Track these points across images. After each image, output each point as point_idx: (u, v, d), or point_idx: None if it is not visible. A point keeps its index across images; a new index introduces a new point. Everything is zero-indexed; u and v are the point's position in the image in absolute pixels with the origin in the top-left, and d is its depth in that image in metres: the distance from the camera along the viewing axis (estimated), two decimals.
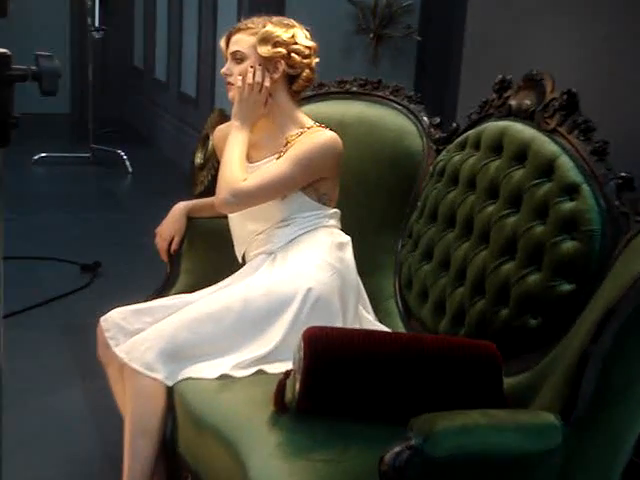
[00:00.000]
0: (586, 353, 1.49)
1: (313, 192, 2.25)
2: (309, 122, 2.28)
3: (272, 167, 2.19)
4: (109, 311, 2.21)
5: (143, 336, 2.09)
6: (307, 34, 2.29)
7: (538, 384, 1.75)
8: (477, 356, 1.75)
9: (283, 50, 2.23)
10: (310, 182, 2.23)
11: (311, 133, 2.23)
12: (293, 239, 2.23)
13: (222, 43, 2.31)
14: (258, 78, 2.22)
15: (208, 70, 6.08)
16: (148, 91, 7.81)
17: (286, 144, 2.23)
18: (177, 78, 6.94)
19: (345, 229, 2.32)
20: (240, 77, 2.23)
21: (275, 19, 2.27)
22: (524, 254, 1.91)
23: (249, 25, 2.25)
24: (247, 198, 2.17)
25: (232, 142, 2.23)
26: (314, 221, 2.25)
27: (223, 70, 2.28)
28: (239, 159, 2.20)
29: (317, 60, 2.30)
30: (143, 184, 6.23)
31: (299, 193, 2.23)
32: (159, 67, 7.48)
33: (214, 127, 2.67)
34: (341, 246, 2.25)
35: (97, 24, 6.51)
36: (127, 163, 6.46)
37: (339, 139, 2.23)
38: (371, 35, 5.10)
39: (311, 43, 2.28)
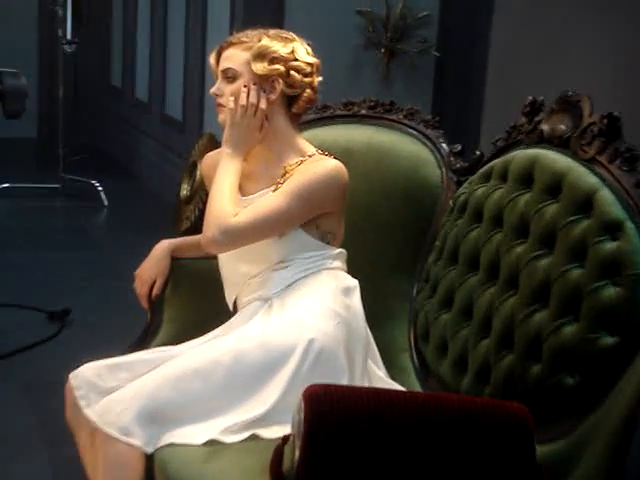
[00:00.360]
0: (633, 417, 1.48)
1: (315, 229, 2.25)
2: (310, 149, 2.29)
3: (267, 201, 2.19)
4: (79, 366, 2.20)
5: (119, 395, 2.08)
6: (308, 49, 2.30)
7: (577, 453, 1.74)
8: (505, 420, 1.74)
9: (281, 67, 2.24)
10: (311, 218, 2.23)
11: (312, 162, 2.24)
12: (292, 283, 2.23)
13: (212, 59, 2.32)
14: (252, 99, 2.23)
15: (196, 90, 6.12)
16: (127, 113, 7.86)
17: (284, 174, 2.24)
18: (161, 98, 6.98)
19: (352, 272, 2.32)
20: (232, 98, 2.24)
21: (272, 32, 2.29)
22: (559, 302, 1.91)
23: (243, 39, 2.27)
24: (238, 236, 2.17)
25: (222, 172, 2.24)
26: (316, 262, 2.25)
27: (213, 90, 2.29)
28: (230, 191, 2.21)
29: (320, 79, 2.32)
30: (120, 219, 6.24)
31: (299, 230, 2.23)
32: (140, 86, 7.53)
33: (203, 154, 2.68)
34: (347, 291, 2.25)
35: (69, 36, 6.56)
36: (102, 195, 6.47)
37: (344, 169, 2.23)
38: (382, 50, 5.14)
39: (313, 59, 2.30)
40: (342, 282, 2.26)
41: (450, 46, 5.19)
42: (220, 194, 2.20)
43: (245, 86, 2.24)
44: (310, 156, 2.26)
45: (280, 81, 2.24)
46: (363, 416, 1.73)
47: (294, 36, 2.30)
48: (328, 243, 2.27)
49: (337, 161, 2.24)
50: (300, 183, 2.18)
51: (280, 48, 2.25)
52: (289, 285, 2.23)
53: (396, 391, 2.05)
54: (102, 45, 8.33)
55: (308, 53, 2.29)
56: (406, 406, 1.76)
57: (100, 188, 6.51)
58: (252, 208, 2.19)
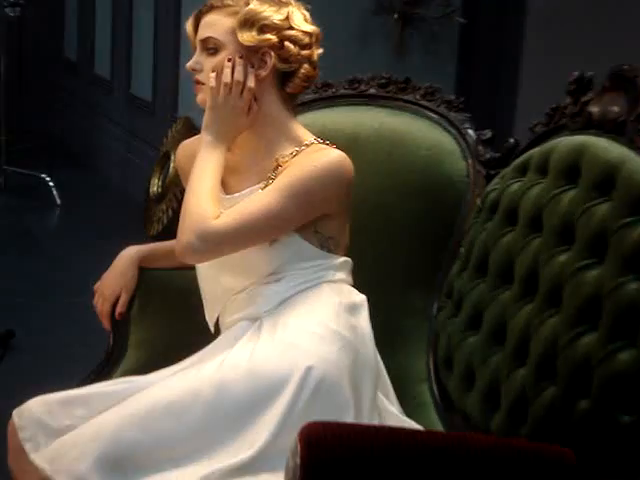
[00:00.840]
0: None
1: (313, 234, 2.25)
2: (308, 137, 2.29)
3: (255, 200, 2.20)
4: (26, 401, 2.20)
5: (74, 437, 2.08)
6: (307, 15, 2.31)
7: None
8: (546, 467, 1.74)
9: (273, 37, 2.24)
10: (309, 221, 2.24)
11: (310, 153, 2.24)
12: (286, 299, 2.24)
13: (189, 26, 2.33)
14: (238, 76, 2.24)
15: (169, 65, 6.12)
16: (84, 92, 7.86)
17: (276, 168, 2.25)
18: (126, 75, 6.99)
19: (358, 285, 2.32)
20: (214, 74, 2.25)
21: None
22: (611, 322, 1.91)
23: (227, 2, 2.27)
24: (220, 243, 2.18)
25: (202, 164, 2.24)
26: (315, 274, 2.25)
27: (190, 64, 2.30)
28: (210, 188, 2.21)
29: (320, 51, 2.32)
30: (76, 221, 6.23)
31: (294, 236, 2.24)
32: (100, 59, 7.54)
33: (177, 143, 2.69)
34: (353, 308, 2.26)
35: None
36: (54, 192, 6.47)
37: (349, 161, 2.24)
38: (395, 15, 5.15)
39: (312, 28, 2.30)
40: (346, 297, 2.26)
41: (478, 10, 5.20)
42: (198, 191, 2.21)
43: (229, 60, 2.24)
44: (307, 145, 2.27)
45: (272, 54, 2.25)
46: (372, 461, 1.74)
47: None
48: (329, 251, 2.27)
49: (340, 152, 2.25)
50: (295, 179, 2.19)
51: (272, 14, 2.25)
52: (282, 302, 2.23)
53: (412, 430, 2.05)
54: (53, 8, 8.33)
55: (306, 20, 2.30)
56: (424, 449, 1.76)
57: (51, 183, 6.51)
58: (237, 209, 2.19)
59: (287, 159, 2.25)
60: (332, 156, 2.23)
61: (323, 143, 2.29)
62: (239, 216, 2.17)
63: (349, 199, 2.28)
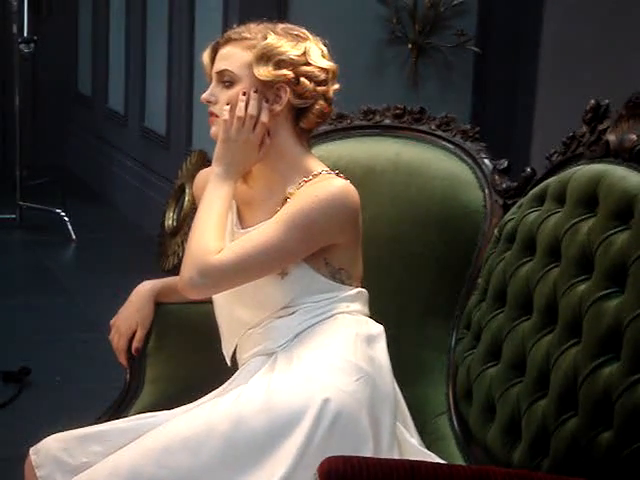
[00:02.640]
0: None
1: (324, 266, 2.25)
2: (317, 168, 2.28)
3: (258, 232, 2.20)
4: (42, 438, 2.20)
5: (91, 474, 2.08)
6: (324, 50, 2.30)
7: None
8: None
9: (289, 72, 2.24)
10: (317, 252, 2.23)
11: (315, 183, 2.24)
12: (301, 332, 2.23)
13: (206, 57, 2.33)
14: (252, 110, 2.24)
15: (183, 98, 6.14)
16: (99, 126, 7.89)
17: (284, 201, 2.24)
18: (139, 108, 7.01)
19: (376, 317, 2.32)
20: (228, 107, 2.25)
21: (281, 28, 2.29)
22: (633, 352, 1.90)
23: (244, 35, 2.28)
24: (221, 278, 2.18)
25: (209, 197, 2.24)
26: (329, 307, 2.25)
27: (205, 95, 2.30)
28: (216, 222, 2.21)
29: (336, 87, 2.32)
30: (92, 256, 6.24)
31: (305, 268, 2.23)
32: (114, 93, 7.57)
33: (192, 176, 2.69)
34: (370, 340, 2.25)
35: (26, 33, 6.59)
36: (69, 227, 6.48)
37: (353, 190, 2.23)
38: (410, 46, 5.17)
39: (329, 64, 2.30)
40: (363, 329, 2.25)
41: (493, 39, 5.20)
42: (202, 226, 2.20)
43: (244, 93, 2.24)
44: (315, 176, 2.26)
45: (287, 89, 2.24)
46: None
47: (307, 34, 2.30)
48: (343, 282, 2.27)
49: (345, 181, 2.24)
50: (297, 209, 2.18)
51: (289, 49, 2.25)
52: (297, 335, 2.22)
53: (433, 464, 2.04)
54: (67, 44, 8.37)
55: (324, 56, 2.30)
56: None
57: (66, 218, 6.52)
58: (239, 242, 2.19)
59: (294, 191, 2.25)
60: (335, 185, 2.22)
61: (332, 172, 2.28)
62: (241, 250, 2.17)
63: (357, 229, 2.27)
